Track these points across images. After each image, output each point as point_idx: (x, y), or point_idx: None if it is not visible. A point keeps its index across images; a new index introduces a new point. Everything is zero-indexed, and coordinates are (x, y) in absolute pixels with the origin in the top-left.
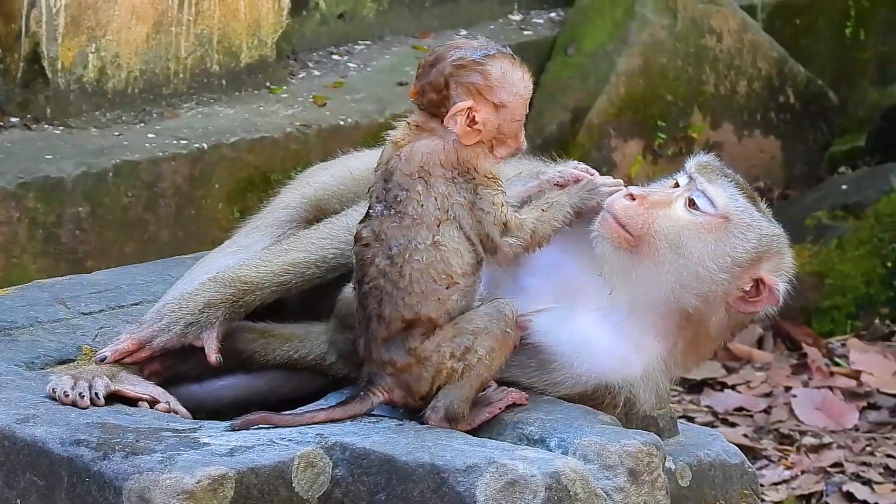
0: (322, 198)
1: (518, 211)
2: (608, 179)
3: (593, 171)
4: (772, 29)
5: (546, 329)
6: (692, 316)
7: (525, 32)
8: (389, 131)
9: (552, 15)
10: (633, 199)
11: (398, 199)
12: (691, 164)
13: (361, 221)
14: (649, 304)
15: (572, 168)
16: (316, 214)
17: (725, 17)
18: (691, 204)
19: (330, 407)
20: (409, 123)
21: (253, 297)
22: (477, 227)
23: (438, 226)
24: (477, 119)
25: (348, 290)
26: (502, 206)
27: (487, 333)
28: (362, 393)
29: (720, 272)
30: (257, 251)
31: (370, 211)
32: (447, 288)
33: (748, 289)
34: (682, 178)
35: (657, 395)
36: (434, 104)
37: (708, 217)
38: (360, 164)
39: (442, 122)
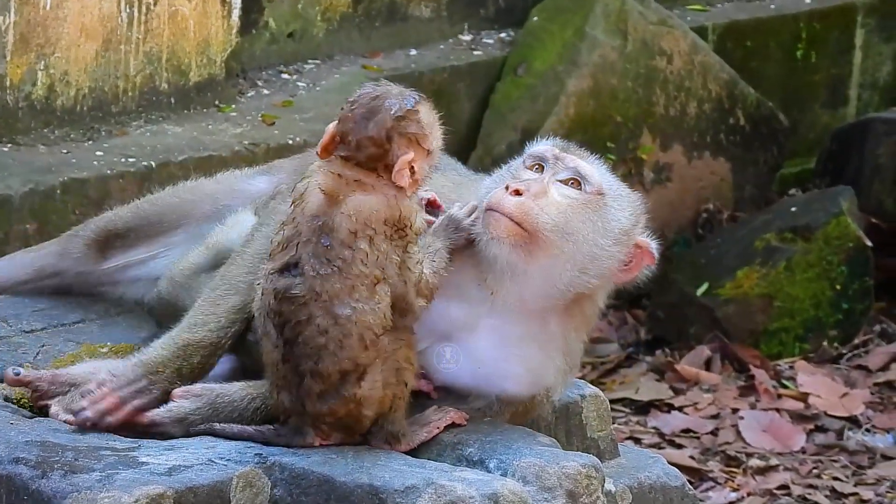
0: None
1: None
2: (459, 210)
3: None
4: (722, 51)
5: (450, 372)
6: (584, 295)
7: (475, 52)
8: (308, 180)
9: (502, 35)
10: (520, 195)
11: (343, 258)
12: (546, 147)
13: (279, 273)
14: (543, 297)
15: (421, 191)
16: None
17: (676, 39)
18: (572, 184)
19: (268, 429)
20: (338, 175)
21: (214, 357)
22: (400, 286)
23: (376, 285)
24: (416, 169)
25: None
26: (421, 264)
27: (403, 344)
28: (290, 430)
29: (612, 246)
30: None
31: (298, 265)
32: (380, 336)
33: (629, 257)
34: (542, 162)
35: (568, 381)
36: (373, 158)
37: (586, 195)
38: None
39: (378, 175)
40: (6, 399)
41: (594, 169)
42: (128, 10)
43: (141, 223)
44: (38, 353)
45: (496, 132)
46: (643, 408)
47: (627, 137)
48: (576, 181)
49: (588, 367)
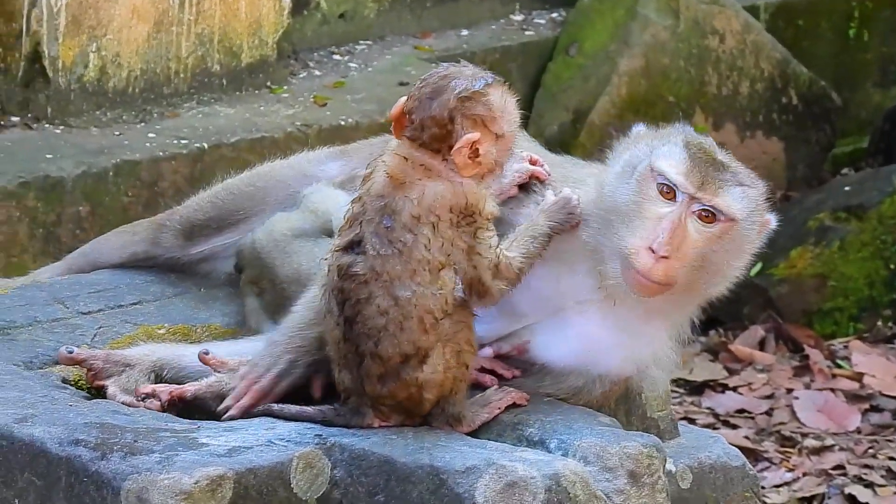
0: None
1: (506, 247)
2: (573, 193)
3: (543, 163)
4: (774, 30)
5: (546, 346)
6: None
7: (526, 33)
8: (378, 160)
9: (554, 15)
10: (653, 255)
11: (403, 241)
12: (681, 180)
13: (344, 251)
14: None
15: (527, 165)
16: None
17: (728, 18)
18: (702, 219)
19: (328, 408)
20: (405, 158)
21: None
22: (471, 271)
23: (440, 271)
24: (480, 151)
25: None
26: (496, 248)
27: (464, 327)
28: (349, 410)
29: (744, 263)
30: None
31: (361, 243)
32: (441, 320)
33: None
34: (675, 189)
35: (670, 367)
36: (436, 138)
37: (721, 225)
38: None
39: (443, 158)
40: (64, 381)
41: (731, 199)
42: None
43: (220, 213)
44: (95, 335)
45: (548, 112)
46: (698, 388)
47: (680, 117)
48: (711, 214)
49: None
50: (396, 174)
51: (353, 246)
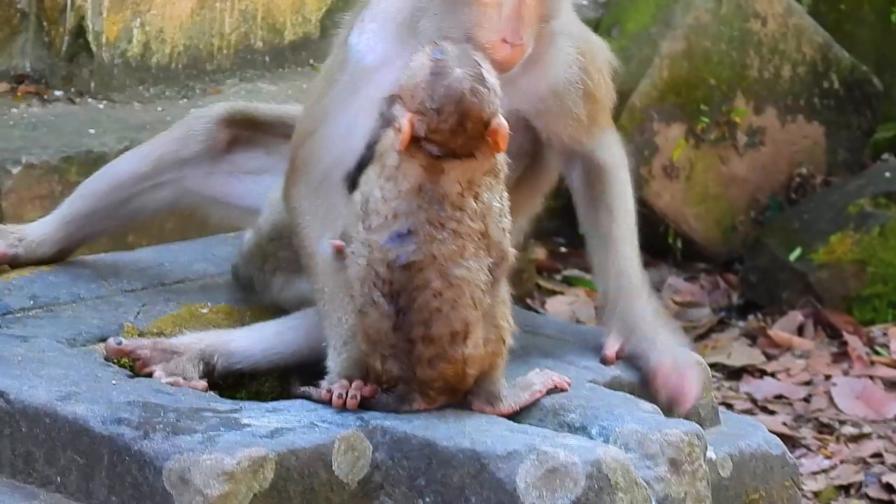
0: None
1: None
2: None
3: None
4: (816, 13)
5: None
6: None
7: None
8: (397, 160)
9: None
10: (508, 44)
11: (454, 219)
12: None
13: (390, 243)
14: None
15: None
16: None
17: (770, 2)
18: None
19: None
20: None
21: None
22: (498, 234)
23: (480, 239)
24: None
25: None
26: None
27: (500, 301)
28: (395, 398)
29: None
30: None
31: (411, 234)
32: (484, 293)
33: None
34: None
35: None
36: (471, 147)
37: None
38: None
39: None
40: (107, 359)
41: None
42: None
43: (275, 122)
44: (138, 313)
45: None
46: (735, 373)
47: (721, 100)
48: None
49: (680, 331)
50: (430, 163)
51: (402, 237)
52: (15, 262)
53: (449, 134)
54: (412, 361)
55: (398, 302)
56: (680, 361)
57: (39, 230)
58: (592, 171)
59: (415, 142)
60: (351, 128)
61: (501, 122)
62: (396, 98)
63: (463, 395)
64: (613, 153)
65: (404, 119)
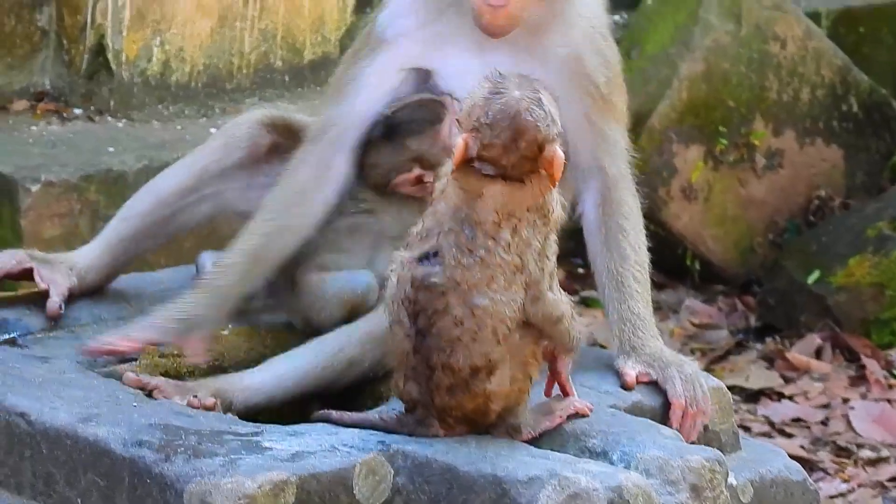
0: None
1: None
2: None
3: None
4: (836, 36)
5: None
6: None
7: None
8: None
9: (616, 18)
10: (493, 7)
11: (485, 248)
12: None
13: (419, 262)
14: None
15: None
16: None
17: (790, 24)
18: None
19: (391, 417)
20: (479, 174)
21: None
22: (536, 273)
23: (514, 274)
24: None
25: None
26: (555, 255)
27: (532, 340)
28: (415, 420)
29: None
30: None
31: (438, 255)
32: (513, 331)
33: None
34: None
35: None
36: (525, 170)
37: None
38: None
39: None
40: None
41: None
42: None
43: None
44: None
45: None
46: (753, 395)
47: (739, 122)
48: None
49: (697, 353)
50: (472, 187)
51: (429, 257)
52: (70, 294)
53: (501, 149)
54: (430, 387)
55: (417, 323)
56: (695, 393)
57: (86, 258)
58: (604, 188)
59: (468, 163)
60: (368, 96)
61: (558, 152)
62: (455, 123)
63: (485, 429)
64: (624, 174)
65: (459, 139)
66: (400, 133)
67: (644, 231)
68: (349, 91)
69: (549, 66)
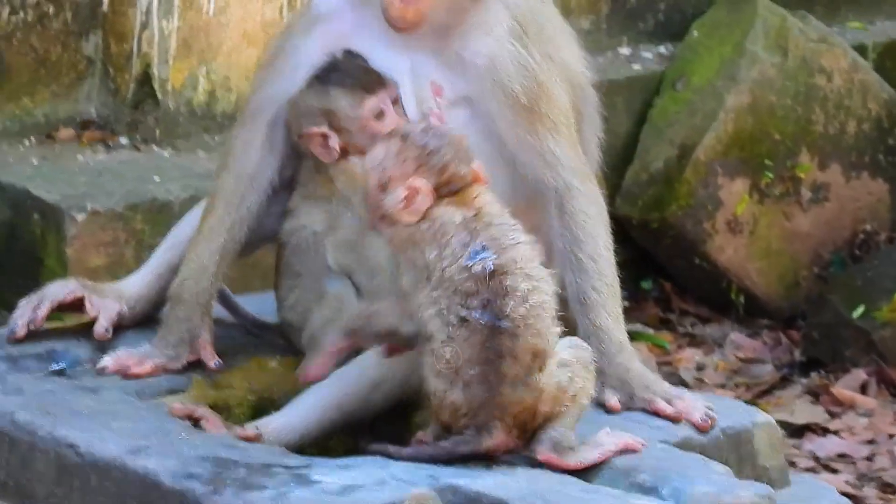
0: None
1: None
2: None
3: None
4: (882, 69)
5: None
6: None
7: (633, 66)
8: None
9: (661, 49)
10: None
11: (513, 229)
12: None
13: (471, 258)
14: None
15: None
16: None
17: (836, 57)
18: None
19: (446, 442)
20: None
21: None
22: None
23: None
24: None
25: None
26: None
27: (581, 364)
28: (473, 432)
29: None
30: None
31: (484, 246)
32: (553, 319)
33: None
34: None
35: None
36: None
37: None
38: None
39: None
40: None
41: None
42: (289, 17)
43: None
44: None
45: (653, 147)
46: (798, 430)
47: (785, 155)
48: None
49: (742, 387)
50: (459, 197)
51: (479, 252)
52: (119, 324)
53: (456, 167)
54: (498, 379)
55: (490, 311)
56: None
57: (135, 287)
58: (556, 201)
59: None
60: (295, 67)
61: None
62: (385, 186)
63: (529, 438)
64: (572, 184)
65: (415, 185)
66: (330, 81)
67: (608, 240)
68: (285, 67)
69: (468, 76)
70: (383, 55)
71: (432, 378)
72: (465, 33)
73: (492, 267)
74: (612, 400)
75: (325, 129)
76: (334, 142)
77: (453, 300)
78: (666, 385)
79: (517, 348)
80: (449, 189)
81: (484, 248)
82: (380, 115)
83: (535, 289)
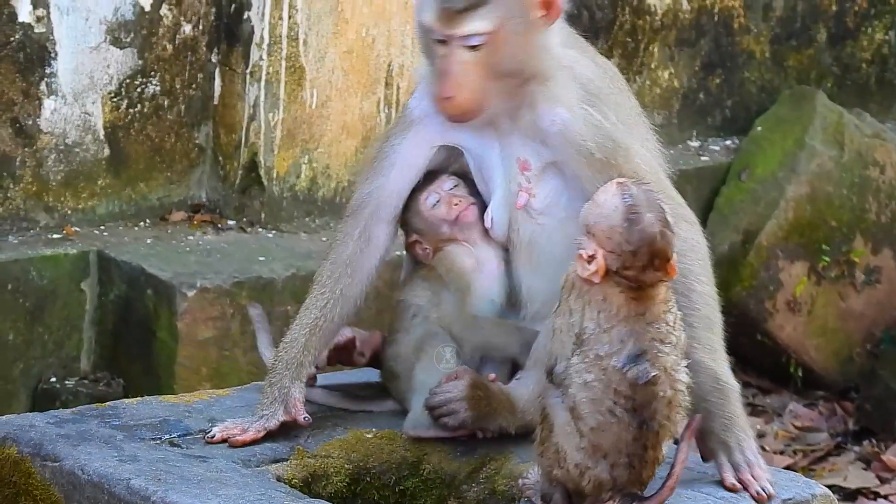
0: None
1: None
2: None
3: None
4: None
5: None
6: None
7: (702, 158)
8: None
9: (728, 142)
10: (445, 99)
11: (673, 334)
12: (434, 23)
13: (628, 364)
14: None
15: None
16: None
17: (888, 151)
18: (469, 48)
19: None
20: (621, 283)
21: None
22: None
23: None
24: None
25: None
26: None
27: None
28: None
29: (534, 46)
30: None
31: (645, 354)
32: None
33: None
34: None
35: None
36: (656, 279)
37: (484, 45)
38: None
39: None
40: (279, 479)
41: (475, 22)
42: (386, 111)
43: None
44: (308, 437)
45: (719, 233)
46: (851, 495)
47: (841, 241)
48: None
49: (800, 454)
50: (635, 294)
51: (636, 359)
52: None
53: (641, 270)
54: (642, 465)
55: (641, 415)
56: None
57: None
58: None
59: (606, 274)
60: (400, 171)
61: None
62: (584, 230)
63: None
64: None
65: (598, 255)
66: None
67: (711, 276)
68: (383, 167)
69: (550, 143)
70: (475, 144)
71: (573, 450)
72: (535, 104)
73: (646, 378)
74: (730, 480)
75: (414, 236)
76: (424, 245)
77: (606, 394)
78: (754, 445)
79: (660, 441)
80: (626, 278)
81: (642, 354)
82: (437, 203)
83: (677, 392)
